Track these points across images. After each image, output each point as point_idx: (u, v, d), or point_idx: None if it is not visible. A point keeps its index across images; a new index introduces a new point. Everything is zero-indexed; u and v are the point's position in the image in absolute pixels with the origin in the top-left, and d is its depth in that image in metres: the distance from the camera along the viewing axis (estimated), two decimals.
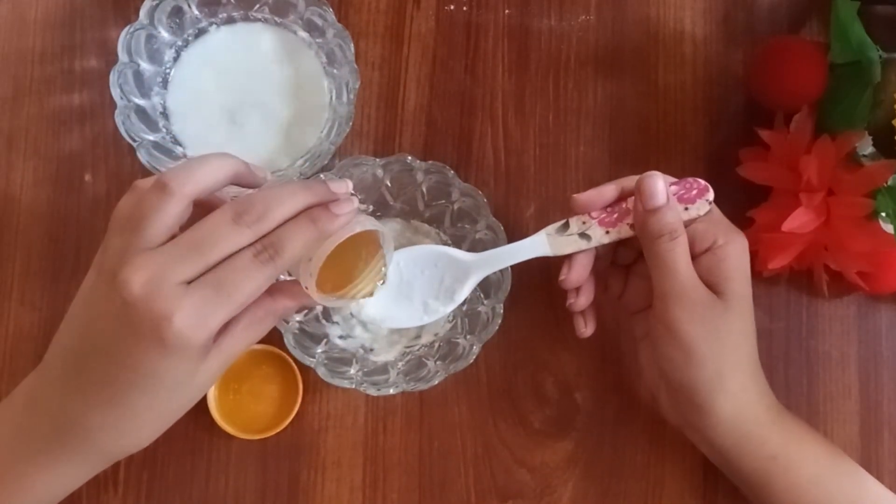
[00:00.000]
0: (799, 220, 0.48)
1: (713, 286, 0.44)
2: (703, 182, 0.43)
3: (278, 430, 0.51)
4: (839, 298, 0.55)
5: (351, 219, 0.39)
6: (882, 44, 0.48)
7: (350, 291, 0.42)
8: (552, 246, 0.44)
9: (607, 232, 0.44)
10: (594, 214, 0.44)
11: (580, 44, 0.57)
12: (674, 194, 0.43)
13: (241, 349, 0.40)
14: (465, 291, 0.46)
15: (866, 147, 0.50)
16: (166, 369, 0.37)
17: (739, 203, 0.53)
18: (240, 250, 0.37)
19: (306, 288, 0.39)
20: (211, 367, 0.39)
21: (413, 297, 0.46)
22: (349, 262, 0.42)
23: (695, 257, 0.44)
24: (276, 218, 0.38)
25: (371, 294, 0.43)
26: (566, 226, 0.44)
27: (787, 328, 0.55)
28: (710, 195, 0.43)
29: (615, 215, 0.44)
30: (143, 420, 0.40)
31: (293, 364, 0.51)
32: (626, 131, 0.56)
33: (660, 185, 0.43)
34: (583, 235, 0.44)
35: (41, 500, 0.42)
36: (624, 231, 0.44)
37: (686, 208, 0.43)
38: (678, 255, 0.43)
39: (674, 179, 0.44)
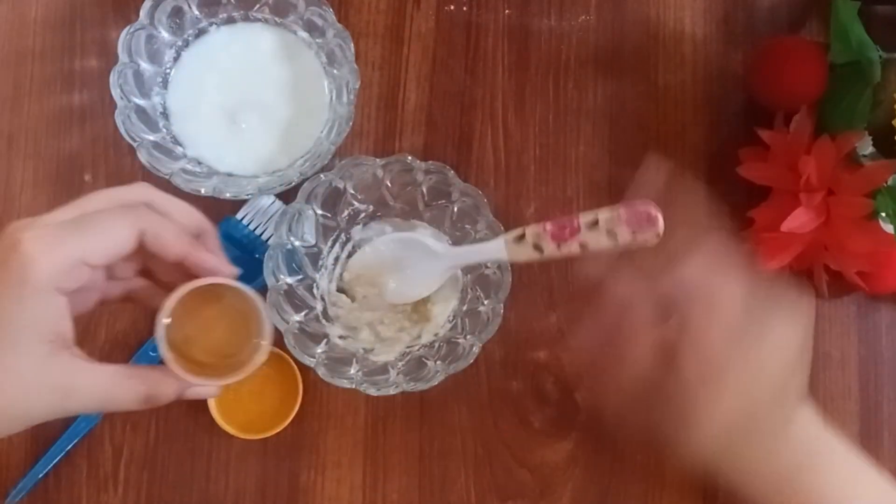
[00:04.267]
0: (799, 220, 0.48)
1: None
2: (654, 211, 0.42)
3: (278, 429, 0.51)
4: (839, 298, 0.55)
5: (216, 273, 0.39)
6: (882, 44, 0.48)
7: (225, 367, 0.40)
8: (509, 252, 0.45)
9: (558, 246, 0.44)
10: (547, 227, 0.44)
11: (580, 44, 0.57)
12: (622, 218, 0.42)
13: (93, 395, 0.37)
14: (439, 280, 0.49)
15: (866, 147, 0.50)
16: (7, 304, 0.35)
17: (739, 203, 0.53)
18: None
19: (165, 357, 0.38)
20: (55, 376, 0.36)
21: (399, 276, 0.50)
22: (224, 341, 0.41)
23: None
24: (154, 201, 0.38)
25: (237, 372, 0.40)
26: (523, 235, 0.45)
27: None
28: (660, 226, 0.42)
29: (566, 230, 0.44)
30: None
31: (293, 364, 0.51)
32: (626, 131, 0.56)
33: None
34: (536, 247, 0.44)
35: None
36: (574, 248, 0.43)
37: (633, 233, 0.42)
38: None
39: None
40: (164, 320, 0.38)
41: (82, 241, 0.36)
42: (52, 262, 0.35)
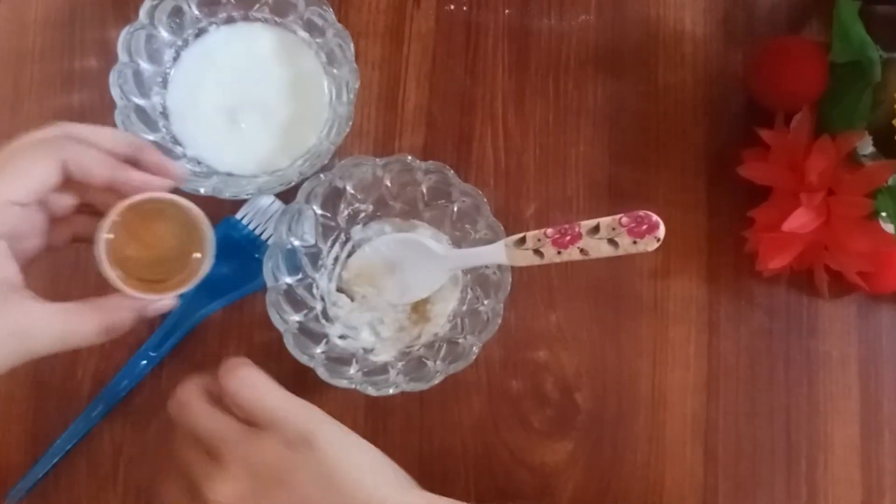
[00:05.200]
0: (799, 220, 0.48)
1: None
2: (655, 218, 0.42)
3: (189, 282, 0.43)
4: (839, 298, 0.55)
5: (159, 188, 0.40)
6: (882, 44, 0.48)
7: (173, 282, 0.41)
8: (509, 256, 0.46)
9: (559, 252, 0.44)
10: (549, 233, 0.44)
11: (580, 44, 0.57)
12: (623, 226, 0.42)
13: (50, 335, 0.37)
14: (438, 281, 0.49)
15: (866, 147, 0.50)
16: None
17: (739, 203, 0.53)
18: None
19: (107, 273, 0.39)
20: (9, 319, 0.36)
21: (398, 276, 0.51)
22: (168, 255, 0.42)
23: None
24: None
25: (185, 283, 0.42)
26: (523, 240, 0.45)
27: (787, 328, 0.55)
28: (661, 232, 0.42)
29: (567, 237, 0.44)
30: None
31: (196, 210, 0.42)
32: (626, 131, 0.56)
33: None
34: (537, 252, 0.45)
35: None
36: (574, 254, 0.44)
37: (634, 242, 0.42)
38: None
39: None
40: (104, 236, 0.38)
41: (2, 180, 0.35)
42: None
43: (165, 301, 0.42)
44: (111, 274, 0.39)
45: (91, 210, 0.41)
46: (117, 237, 0.40)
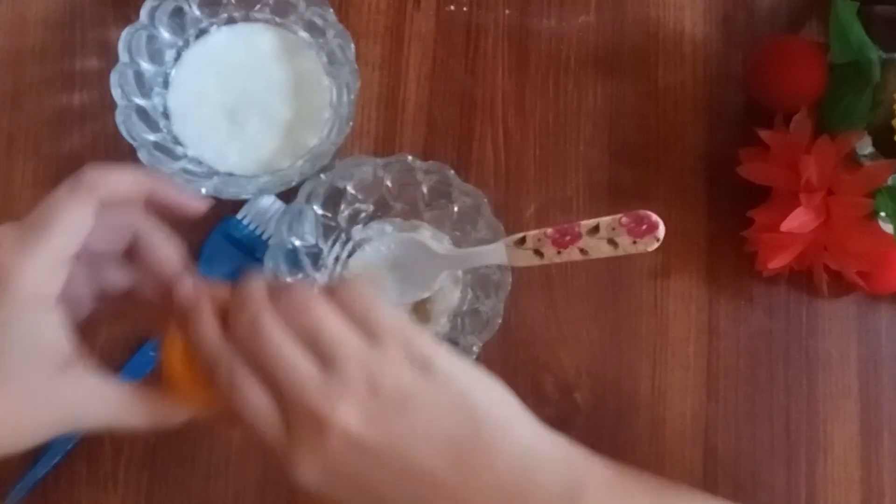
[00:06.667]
0: (798, 220, 0.48)
1: None
2: (655, 218, 0.42)
3: None
4: (839, 298, 0.55)
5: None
6: (882, 44, 0.48)
7: None
8: (509, 256, 0.45)
9: (559, 252, 0.44)
10: (549, 233, 0.44)
11: (580, 44, 0.57)
12: (623, 226, 0.42)
13: (105, 415, 0.35)
14: (438, 281, 0.49)
15: (866, 147, 0.50)
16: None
17: (739, 203, 0.53)
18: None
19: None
20: (68, 393, 0.34)
21: (399, 276, 0.50)
22: None
23: None
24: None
25: None
26: (524, 240, 0.45)
27: (787, 328, 0.55)
28: (660, 232, 0.42)
29: (567, 237, 0.44)
30: None
31: None
32: (626, 131, 0.56)
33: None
34: (537, 252, 0.44)
35: None
36: (574, 254, 0.44)
37: (634, 242, 0.42)
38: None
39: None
40: (171, 338, 0.36)
41: (46, 231, 0.33)
42: (34, 269, 0.33)
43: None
44: (183, 382, 0.36)
45: (140, 300, 0.39)
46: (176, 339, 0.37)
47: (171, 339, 0.37)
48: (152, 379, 0.38)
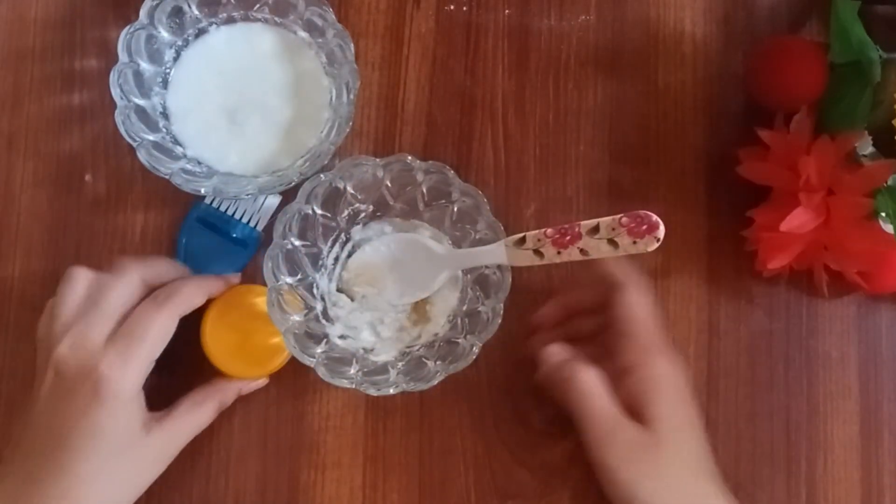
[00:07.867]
0: (798, 220, 0.48)
1: (638, 415, 0.44)
2: (655, 218, 0.42)
3: (281, 362, 0.50)
4: (839, 298, 0.55)
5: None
6: (882, 44, 0.48)
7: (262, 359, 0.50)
8: (509, 256, 0.46)
9: (559, 252, 0.44)
10: (549, 233, 0.44)
11: (580, 44, 0.57)
12: (623, 226, 0.42)
13: (186, 431, 0.47)
14: (438, 281, 0.50)
15: (866, 147, 0.50)
16: (105, 422, 0.42)
17: (739, 203, 0.53)
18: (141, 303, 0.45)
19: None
20: (157, 443, 0.45)
21: (398, 276, 0.51)
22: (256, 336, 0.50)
23: (617, 378, 0.45)
24: (165, 277, 0.48)
25: (279, 365, 0.50)
26: (523, 240, 0.45)
27: (787, 328, 0.55)
28: (660, 232, 0.42)
29: (567, 237, 0.44)
30: (94, 488, 0.43)
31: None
32: (626, 131, 0.56)
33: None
34: (537, 252, 0.45)
35: None
36: (574, 254, 0.44)
37: (634, 242, 0.42)
38: (589, 395, 0.45)
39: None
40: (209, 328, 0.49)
41: (141, 346, 0.44)
42: (133, 377, 0.44)
43: (260, 382, 0.51)
44: (225, 362, 0.49)
45: None
46: (215, 325, 0.49)
47: (209, 325, 0.49)
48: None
